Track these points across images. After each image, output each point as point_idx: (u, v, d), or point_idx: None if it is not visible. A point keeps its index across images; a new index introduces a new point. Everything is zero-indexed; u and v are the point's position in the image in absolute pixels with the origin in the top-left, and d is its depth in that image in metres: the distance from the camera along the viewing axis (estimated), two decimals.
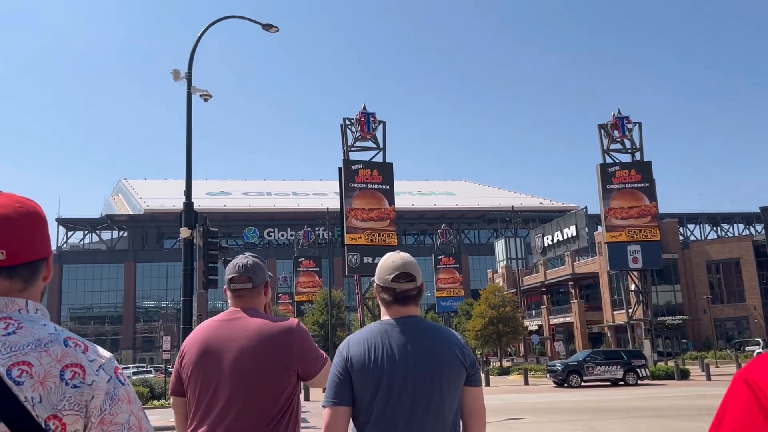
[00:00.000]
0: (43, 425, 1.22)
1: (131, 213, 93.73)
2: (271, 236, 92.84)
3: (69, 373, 1.26)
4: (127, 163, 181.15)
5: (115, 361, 1.35)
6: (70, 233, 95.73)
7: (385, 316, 2.54)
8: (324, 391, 2.49)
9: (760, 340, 45.70)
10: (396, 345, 2.42)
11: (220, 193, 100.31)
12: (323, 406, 2.44)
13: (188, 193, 17.70)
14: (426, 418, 2.35)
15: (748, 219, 69.44)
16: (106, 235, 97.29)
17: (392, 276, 2.50)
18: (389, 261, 2.56)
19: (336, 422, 2.38)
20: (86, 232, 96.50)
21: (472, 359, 2.49)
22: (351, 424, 2.46)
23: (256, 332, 2.64)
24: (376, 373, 2.38)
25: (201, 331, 2.76)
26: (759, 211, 52.09)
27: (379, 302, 2.58)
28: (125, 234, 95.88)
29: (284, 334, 2.64)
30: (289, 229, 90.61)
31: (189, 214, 17.37)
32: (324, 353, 2.78)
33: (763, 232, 51.21)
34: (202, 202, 76.48)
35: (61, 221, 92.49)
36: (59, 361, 1.26)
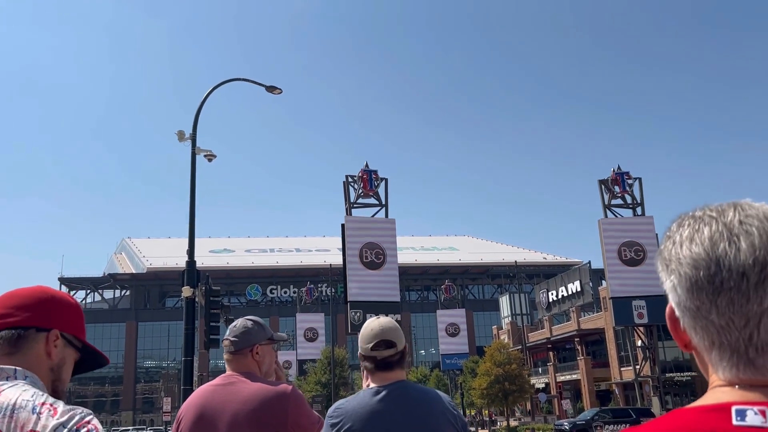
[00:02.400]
0: None
1: (134, 272, 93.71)
2: (273, 293, 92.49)
3: None
4: (130, 222, 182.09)
5: (85, 417, 1.31)
6: (72, 293, 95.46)
7: (372, 384, 2.55)
8: None
9: None
10: (384, 414, 2.42)
11: (223, 250, 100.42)
12: None
13: (191, 251, 17.76)
14: None
15: None
16: (108, 294, 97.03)
17: (372, 344, 2.52)
18: (368, 329, 2.58)
19: None
20: (88, 291, 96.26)
21: (463, 422, 2.49)
22: None
23: (251, 398, 2.64)
24: None
25: (197, 395, 2.77)
26: None
27: (364, 370, 2.60)
28: (127, 293, 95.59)
29: (279, 399, 2.64)
30: (291, 286, 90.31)
31: (191, 273, 17.38)
32: (319, 417, 2.77)
33: None
34: (205, 260, 76.49)
35: (63, 280, 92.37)
36: (21, 428, 1.27)
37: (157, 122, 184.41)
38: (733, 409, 0.79)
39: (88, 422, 1.32)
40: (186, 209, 18.18)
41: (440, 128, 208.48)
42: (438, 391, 2.59)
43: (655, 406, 39.94)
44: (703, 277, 0.84)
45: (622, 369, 50.77)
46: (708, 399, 0.84)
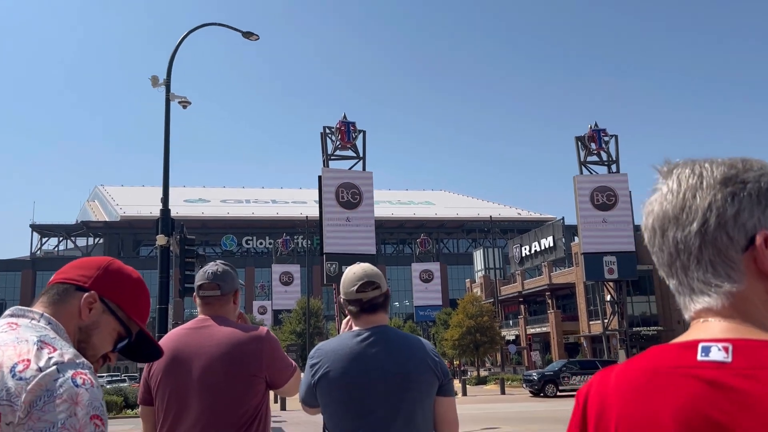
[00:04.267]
0: None
1: (107, 219, 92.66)
2: (249, 244, 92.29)
3: (20, 366, 1.24)
4: (103, 170, 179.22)
5: (84, 368, 1.29)
6: (44, 240, 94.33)
7: (355, 327, 2.56)
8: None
9: None
10: (367, 356, 2.43)
11: (198, 200, 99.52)
12: (300, 401, 2.57)
13: (165, 200, 17.58)
14: (398, 428, 2.36)
15: None
16: (81, 241, 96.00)
17: (356, 287, 2.51)
18: (351, 273, 2.57)
19: (315, 413, 2.55)
20: (61, 238, 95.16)
21: (444, 369, 2.50)
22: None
23: (225, 340, 2.63)
24: (347, 385, 2.39)
25: (170, 339, 2.74)
26: None
27: (348, 315, 2.59)
28: (101, 241, 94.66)
29: (253, 342, 2.64)
30: (267, 237, 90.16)
31: (166, 221, 17.24)
32: (294, 363, 2.79)
33: None
34: (179, 209, 75.76)
35: (35, 227, 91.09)
36: (18, 356, 1.26)
37: (131, 68, 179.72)
38: (699, 345, 0.84)
39: (86, 374, 1.29)
40: (160, 157, 17.91)
41: (419, 83, 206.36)
42: (420, 338, 2.60)
43: (622, 359, 41.19)
44: (646, 238, 0.98)
45: (590, 323, 52.07)
46: (682, 337, 0.90)
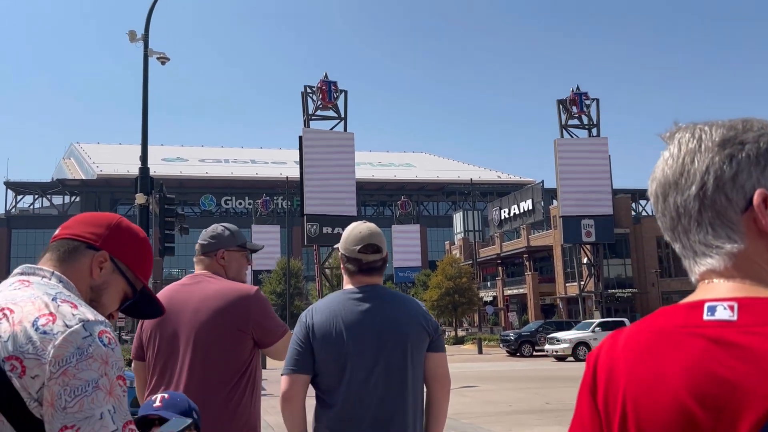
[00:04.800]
0: (0, 364, 1.20)
1: (84, 178, 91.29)
2: (228, 204, 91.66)
3: (43, 320, 1.25)
4: (79, 127, 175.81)
5: (107, 326, 1.31)
6: (19, 197, 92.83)
7: (347, 285, 2.56)
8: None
9: None
10: (359, 313, 2.44)
11: (176, 159, 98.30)
12: (282, 375, 2.46)
13: (144, 158, 17.34)
14: (389, 383, 2.39)
15: None
16: (57, 199, 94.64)
17: (359, 247, 2.50)
18: (356, 231, 2.54)
19: (294, 389, 2.40)
20: (36, 196, 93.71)
21: (435, 325, 2.52)
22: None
23: (213, 295, 2.66)
24: (340, 341, 2.40)
25: (162, 295, 2.78)
26: None
27: (343, 271, 2.58)
28: (77, 199, 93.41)
29: (240, 298, 2.66)
30: (247, 198, 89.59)
31: (144, 180, 17.04)
32: (285, 325, 2.79)
33: None
34: (157, 168, 74.59)
35: (9, 185, 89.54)
36: (40, 309, 1.27)
37: (108, 22, 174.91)
38: (705, 305, 0.86)
39: (110, 333, 1.31)
40: (137, 115, 17.61)
41: (401, 45, 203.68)
42: (413, 297, 2.62)
43: (596, 320, 42.02)
44: (652, 203, 0.99)
45: (567, 284, 52.89)
46: (688, 298, 0.92)
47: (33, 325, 1.25)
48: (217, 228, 2.93)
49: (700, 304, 0.87)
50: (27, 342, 1.22)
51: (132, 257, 1.54)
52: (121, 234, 1.55)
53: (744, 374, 0.78)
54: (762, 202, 0.87)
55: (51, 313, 1.27)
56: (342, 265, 2.57)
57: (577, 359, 28.58)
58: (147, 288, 1.59)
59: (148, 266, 1.59)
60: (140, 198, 16.76)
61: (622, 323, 30.59)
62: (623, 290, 50.34)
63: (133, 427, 1.28)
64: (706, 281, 0.91)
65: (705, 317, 0.85)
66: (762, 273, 0.88)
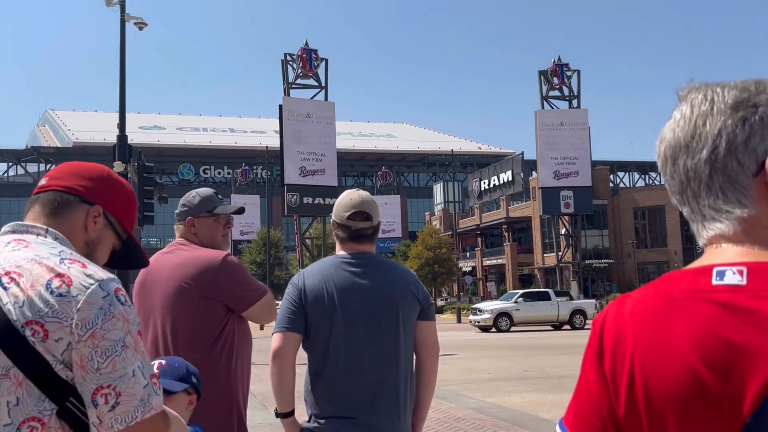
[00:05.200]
0: (20, 330, 1.20)
1: (59, 145, 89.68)
2: (207, 174, 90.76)
3: (56, 282, 1.24)
4: (54, 94, 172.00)
5: (119, 283, 1.31)
6: None
7: (340, 252, 2.57)
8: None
9: None
10: (351, 278, 2.46)
11: (153, 127, 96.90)
12: (273, 333, 2.48)
13: (122, 125, 17.08)
14: (379, 350, 2.41)
15: None
16: (32, 167, 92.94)
17: (348, 214, 2.51)
18: (347, 199, 2.56)
19: (286, 347, 2.42)
20: (11, 164, 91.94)
21: (425, 294, 2.55)
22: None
23: (182, 263, 2.67)
24: (331, 305, 2.42)
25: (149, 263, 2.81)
26: None
27: (335, 238, 2.60)
28: (52, 167, 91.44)
29: (207, 265, 2.65)
30: (226, 167, 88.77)
31: (123, 148, 16.80)
32: (263, 286, 2.78)
33: None
34: (134, 136, 73.43)
35: None
36: (50, 271, 1.26)
37: None
38: (714, 270, 0.85)
39: (123, 290, 1.31)
40: (114, 82, 17.28)
41: (383, 15, 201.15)
42: (404, 266, 2.66)
43: (574, 290, 42.67)
44: (659, 165, 0.97)
45: (545, 255, 53.49)
46: (696, 263, 0.90)
47: (47, 288, 1.24)
48: (189, 195, 2.92)
49: (708, 269, 0.86)
50: (45, 306, 1.22)
51: (121, 210, 1.53)
52: (112, 186, 1.53)
53: (753, 338, 0.78)
54: None
55: (62, 274, 1.26)
56: (333, 232, 2.59)
57: (499, 330, 28.70)
58: (133, 238, 1.57)
59: (134, 217, 1.58)
60: (119, 166, 16.53)
61: (546, 294, 31.18)
62: (600, 261, 51.06)
63: (156, 380, 1.30)
64: (714, 246, 0.89)
65: (714, 282, 0.84)
66: None
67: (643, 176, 74.77)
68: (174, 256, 2.73)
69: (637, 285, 50.42)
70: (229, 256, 2.74)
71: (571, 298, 34.86)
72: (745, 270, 0.83)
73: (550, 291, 32.56)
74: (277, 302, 2.82)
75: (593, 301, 33.89)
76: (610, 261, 51.74)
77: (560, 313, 29.68)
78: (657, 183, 69.84)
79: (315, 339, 2.44)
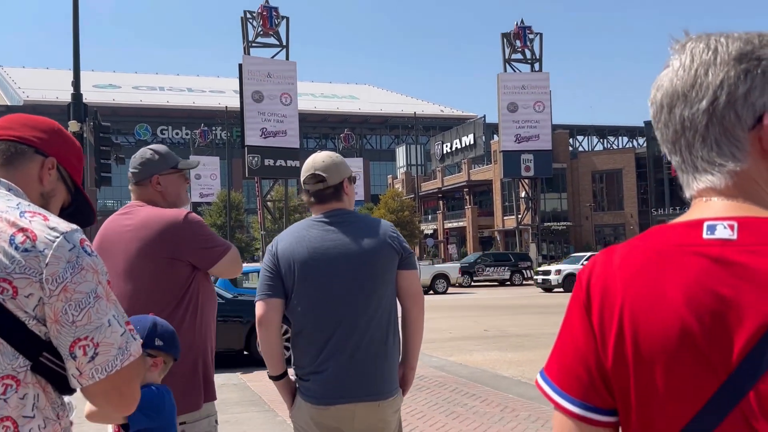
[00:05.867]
0: None
1: (9, 104, 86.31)
2: (164, 134, 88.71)
3: (20, 237, 1.22)
4: (2, 50, 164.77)
5: (82, 234, 1.30)
6: None
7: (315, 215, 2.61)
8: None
9: None
10: (326, 235, 2.48)
11: (108, 86, 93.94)
12: (255, 301, 2.50)
13: (77, 83, 16.51)
14: (360, 303, 2.43)
15: (632, 132, 73.70)
16: None
17: (304, 177, 2.58)
18: (308, 162, 2.62)
19: (268, 313, 2.45)
20: None
21: (403, 244, 2.56)
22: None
23: (142, 224, 2.61)
24: (306, 265, 2.43)
25: (103, 225, 2.77)
26: (643, 124, 55.36)
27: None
28: None
29: (171, 224, 2.60)
30: (184, 128, 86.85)
31: (78, 107, 16.29)
32: (227, 242, 2.75)
33: (645, 144, 54.66)
34: (88, 95, 70.99)
35: None
36: (11, 225, 1.23)
37: None
38: (705, 224, 0.85)
39: (87, 240, 1.30)
40: (66, 38, 16.63)
41: None
42: (381, 218, 2.66)
43: (533, 252, 43.51)
44: (651, 115, 0.95)
45: (505, 218, 54.23)
46: (685, 216, 0.90)
47: (11, 244, 1.22)
48: (145, 153, 2.80)
49: (699, 222, 0.86)
50: (11, 262, 1.20)
51: (72, 163, 1.52)
52: (65, 139, 1.52)
53: (742, 292, 0.79)
54: None
55: (24, 228, 1.23)
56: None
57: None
58: (83, 192, 1.57)
59: (81, 167, 1.58)
60: (74, 125, 16.05)
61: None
62: (558, 223, 52.03)
63: (131, 327, 1.31)
64: (704, 199, 0.89)
65: (705, 236, 0.84)
66: (762, 193, 0.88)
67: (601, 140, 75.89)
68: (133, 218, 2.65)
69: (594, 247, 51.79)
70: (190, 213, 2.70)
71: (530, 261, 35.61)
72: (735, 224, 0.83)
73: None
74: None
75: (457, 264, 33.14)
76: (568, 223, 52.77)
77: (420, 277, 28.83)
78: (615, 147, 71.08)
79: (295, 299, 2.45)
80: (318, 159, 2.59)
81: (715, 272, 0.81)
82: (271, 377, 2.54)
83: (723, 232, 0.83)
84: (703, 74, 0.88)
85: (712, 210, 0.87)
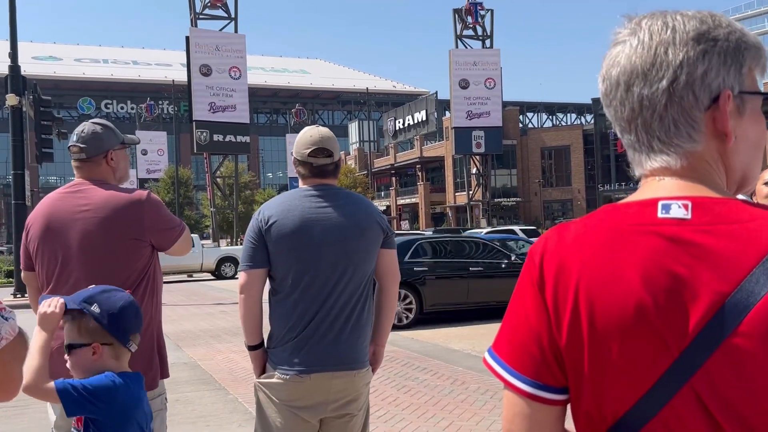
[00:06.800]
0: None
1: None
2: (109, 108, 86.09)
3: None
4: None
5: None
6: None
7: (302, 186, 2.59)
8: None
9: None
10: (317, 208, 2.49)
11: (48, 58, 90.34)
12: (239, 271, 2.52)
13: (14, 55, 15.82)
14: (346, 277, 2.46)
15: (580, 109, 75.04)
16: None
17: (309, 150, 2.53)
18: (307, 135, 2.59)
19: (251, 283, 2.46)
20: None
21: (387, 223, 2.62)
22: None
23: (103, 204, 2.54)
24: (295, 235, 2.44)
25: (45, 204, 2.64)
26: (591, 101, 56.44)
27: (297, 174, 2.62)
28: None
29: (133, 205, 2.56)
30: (129, 102, 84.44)
31: (16, 79, 15.64)
32: (181, 222, 2.74)
33: (593, 121, 55.82)
34: (27, 67, 68.11)
35: None
36: None
37: None
38: (659, 203, 0.86)
39: None
40: (3, 6, 15.86)
41: None
42: (366, 197, 2.71)
43: (483, 227, 44.13)
44: (602, 91, 0.94)
45: (456, 194, 54.81)
46: (637, 195, 0.91)
47: None
48: (94, 128, 2.70)
49: (653, 202, 0.87)
50: None
51: None
52: None
53: (697, 271, 0.80)
54: (726, 102, 0.87)
55: None
56: (295, 169, 2.61)
57: None
58: None
59: None
60: (12, 99, 15.42)
61: None
62: (508, 199, 52.92)
63: (3, 307, 1.25)
64: (657, 178, 0.90)
65: (659, 215, 0.85)
66: (713, 174, 0.89)
67: (550, 117, 77.12)
68: (90, 198, 2.57)
69: (543, 222, 52.81)
70: (151, 194, 2.67)
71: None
72: (690, 204, 0.84)
73: None
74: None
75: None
76: (518, 199, 53.71)
77: (204, 261, 24.59)
78: (564, 124, 72.33)
79: (281, 269, 2.45)
80: (324, 133, 2.59)
81: (670, 251, 0.82)
82: (248, 346, 2.55)
83: (678, 211, 0.84)
84: (663, 53, 0.87)
85: (666, 189, 0.88)
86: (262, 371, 2.51)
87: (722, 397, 0.78)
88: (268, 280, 2.51)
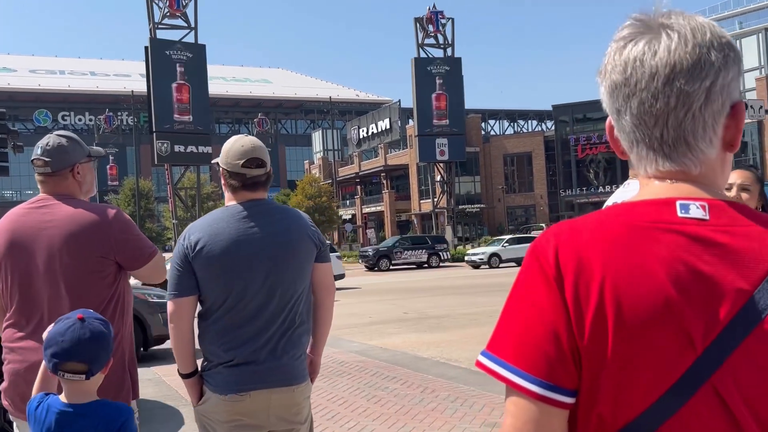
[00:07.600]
0: None
1: None
2: (66, 120, 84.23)
3: None
4: None
5: None
6: None
7: (230, 202, 2.48)
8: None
9: (543, 225, 51.75)
10: (246, 228, 2.39)
11: (2, 69, 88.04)
12: (167, 300, 2.42)
13: None
14: (280, 296, 2.39)
15: (540, 116, 76.19)
16: None
17: (242, 161, 2.42)
18: (237, 145, 2.45)
19: (180, 312, 2.37)
20: None
21: (321, 237, 2.56)
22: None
23: (68, 220, 2.44)
24: (224, 259, 2.35)
25: (8, 219, 2.52)
26: (551, 108, 57.36)
27: (225, 188, 2.50)
28: None
29: (100, 222, 2.47)
30: (87, 113, 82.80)
31: None
32: (153, 245, 2.64)
33: (553, 128, 56.70)
34: None
35: None
36: None
37: None
38: (678, 203, 0.86)
39: None
40: None
41: None
42: (299, 210, 2.62)
43: (448, 234, 44.40)
44: (621, 80, 0.90)
45: (421, 201, 55.02)
46: (647, 194, 0.90)
47: None
48: (59, 140, 2.58)
49: (671, 201, 0.87)
50: None
51: None
52: None
53: (722, 271, 0.82)
54: (743, 113, 0.89)
55: None
56: (224, 181, 2.48)
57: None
58: None
59: None
60: None
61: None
62: (472, 206, 53.33)
63: None
64: (669, 181, 0.90)
65: (679, 214, 0.85)
66: (718, 181, 0.91)
67: (512, 124, 78.05)
68: (55, 213, 2.46)
69: (507, 228, 53.23)
70: (119, 211, 2.58)
71: (447, 243, 36.30)
72: (707, 205, 0.86)
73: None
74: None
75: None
76: (482, 206, 54.16)
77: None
78: (525, 131, 73.25)
79: (211, 293, 2.38)
80: (255, 142, 2.47)
81: (693, 249, 0.83)
82: (182, 375, 2.47)
83: (696, 211, 0.85)
84: (706, 53, 0.87)
85: (680, 191, 0.88)
86: (199, 397, 2.46)
87: (742, 394, 0.79)
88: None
